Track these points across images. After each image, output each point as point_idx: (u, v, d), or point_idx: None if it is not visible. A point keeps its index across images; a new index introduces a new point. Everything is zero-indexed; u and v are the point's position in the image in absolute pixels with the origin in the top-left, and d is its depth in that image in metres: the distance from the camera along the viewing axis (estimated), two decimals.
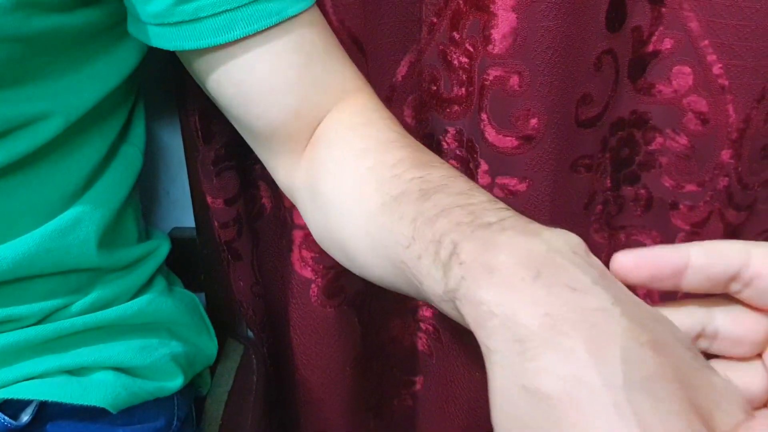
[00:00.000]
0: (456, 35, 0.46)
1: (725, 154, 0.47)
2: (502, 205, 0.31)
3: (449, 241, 0.28)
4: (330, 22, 0.46)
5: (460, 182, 0.33)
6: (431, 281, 0.29)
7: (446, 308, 0.29)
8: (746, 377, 0.27)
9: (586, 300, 0.24)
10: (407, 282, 0.32)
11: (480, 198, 0.31)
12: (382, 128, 0.39)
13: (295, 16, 0.38)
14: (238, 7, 0.37)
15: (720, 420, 0.23)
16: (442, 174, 0.34)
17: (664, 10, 0.45)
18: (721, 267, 0.26)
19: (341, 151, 0.39)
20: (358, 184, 0.37)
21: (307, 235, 0.55)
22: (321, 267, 0.56)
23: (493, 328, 0.24)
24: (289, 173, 0.43)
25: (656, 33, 0.46)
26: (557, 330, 0.23)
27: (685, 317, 0.28)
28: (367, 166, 0.37)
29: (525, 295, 0.24)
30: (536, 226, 0.28)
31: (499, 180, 0.48)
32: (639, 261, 0.26)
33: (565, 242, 0.26)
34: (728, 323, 0.27)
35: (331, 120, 0.41)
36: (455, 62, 0.47)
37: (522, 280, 0.25)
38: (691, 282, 0.26)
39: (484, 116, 0.46)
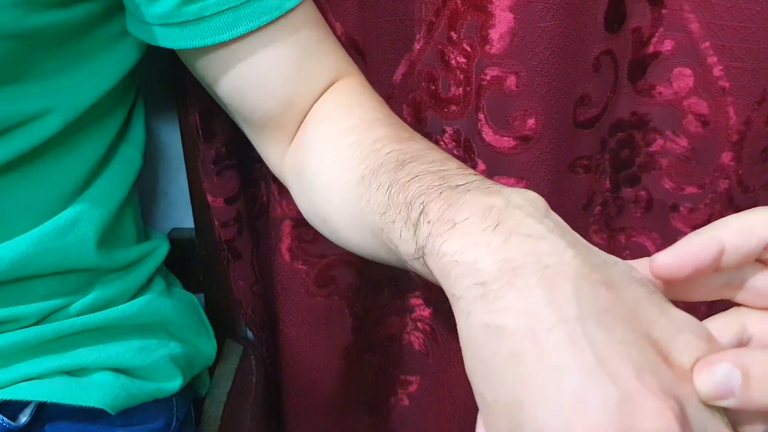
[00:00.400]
0: (453, 35, 0.46)
1: (726, 157, 0.47)
2: (471, 171, 0.33)
3: (419, 203, 0.30)
4: (328, 22, 0.46)
5: (435, 153, 0.35)
6: (404, 243, 0.31)
7: (418, 267, 0.30)
8: (763, 325, 0.28)
9: (541, 245, 0.26)
10: (386, 249, 0.34)
11: (451, 165, 0.33)
12: (369, 109, 0.41)
13: (293, 9, 0.40)
14: (241, 4, 0.38)
15: (678, 351, 0.24)
16: (419, 146, 0.36)
17: (664, 11, 0.44)
18: (754, 242, 0.27)
19: (327, 130, 0.41)
20: (340, 159, 0.38)
21: (297, 226, 0.55)
22: (311, 257, 0.56)
23: (457, 275, 0.26)
24: (280, 157, 0.44)
25: (657, 34, 0.45)
26: (515, 272, 0.25)
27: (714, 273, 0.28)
28: (349, 143, 0.38)
29: (485, 244, 0.26)
30: (498, 186, 0.29)
31: (496, 180, 0.47)
32: (681, 260, 0.27)
33: (524, 199, 0.28)
34: (756, 278, 0.28)
35: (319, 103, 0.42)
36: (453, 62, 0.47)
37: (482, 231, 0.26)
38: (727, 262, 0.27)
39: (481, 116, 0.46)
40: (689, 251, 0.26)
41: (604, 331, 0.23)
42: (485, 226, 0.26)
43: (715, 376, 0.23)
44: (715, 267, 0.27)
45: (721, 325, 0.28)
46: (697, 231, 0.27)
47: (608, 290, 0.25)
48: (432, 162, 0.33)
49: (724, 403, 0.24)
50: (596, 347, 0.23)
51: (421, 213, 0.29)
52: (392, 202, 0.32)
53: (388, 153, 0.36)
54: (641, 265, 0.28)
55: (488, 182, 0.30)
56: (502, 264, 0.25)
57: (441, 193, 0.30)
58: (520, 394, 0.23)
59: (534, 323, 0.24)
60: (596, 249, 0.27)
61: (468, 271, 0.26)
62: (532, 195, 0.28)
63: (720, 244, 0.26)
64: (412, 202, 0.30)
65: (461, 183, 0.30)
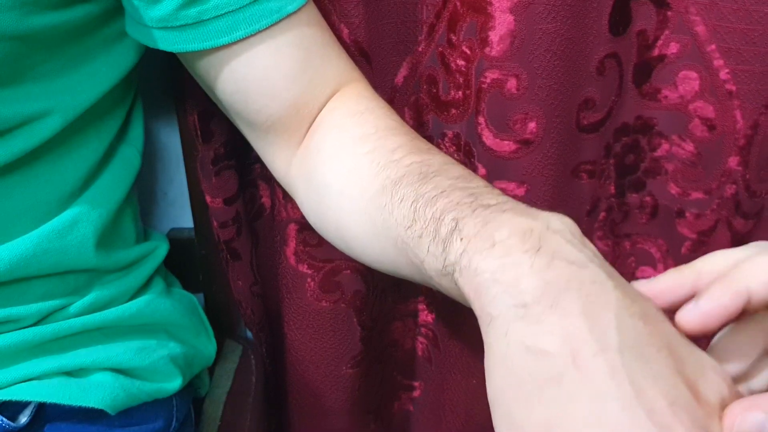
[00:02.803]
0: (453, 37, 0.45)
1: (732, 161, 0.46)
2: (498, 191, 0.33)
3: (450, 219, 0.30)
4: (332, 25, 0.46)
5: (458, 168, 0.35)
6: (431, 258, 0.30)
7: (445, 283, 0.30)
8: None
9: (583, 273, 0.26)
10: (408, 262, 0.34)
11: (478, 183, 0.33)
12: (380, 116, 0.41)
13: (294, 12, 0.39)
14: (240, 8, 0.38)
15: (705, 388, 0.25)
16: (440, 160, 0.36)
17: (670, 13, 0.44)
18: None
19: (339, 137, 0.40)
20: (356, 167, 0.38)
21: (303, 229, 0.55)
22: (317, 261, 0.56)
23: (495, 294, 0.26)
24: (286, 164, 0.44)
25: (662, 37, 0.44)
26: (558, 297, 0.25)
27: None
28: (365, 151, 0.38)
29: (527, 266, 0.26)
30: (534, 210, 0.30)
31: (497, 184, 0.47)
32: (706, 319, 0.27)
33: (562, 223, 0.28)
34: None
35: (328, 109, 0.42)
36: (452, 65, 0.46)
37: (525, 252, 0.26)
38: (751, 308, 0.27)
39: (481, 120, 0.45)
40: (714, 311, 0.27)
41: (642, 363, 0.24)
42: (527, 247, 0.27)
43: (748, 422, 0.24)
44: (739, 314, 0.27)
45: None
46: (721, 283, 0.27)
47: (645, 324, 0.25)
48: (457, 177, 0.33)
49: None
50: (634, 379, 0.24)
51: (453, 229, 0.29)
52: (418, 216, 0.32)
53: (409, 164, 0.36)
54: (639, 285, 0.29)
55: (521, 204, 0.30)
56: (545, 287, 0.25)
57: (474, 210, 0.30)
58: (558, 418, 0.24)
59: (577, 348, 0.24)
60: (628, 283, 0.28)
61: (508, 291, 0.26)
62: (569, 221, 0.29)
63: (745, 299, 0.26)
64: (442, 218, 0.30)
65: (493, 203, 0.30)
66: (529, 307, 0.25)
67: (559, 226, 0.28)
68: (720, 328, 0.28)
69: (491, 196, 0.31)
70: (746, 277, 0.26)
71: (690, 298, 0.27)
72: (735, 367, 0.28)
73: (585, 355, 0.24)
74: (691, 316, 0.27)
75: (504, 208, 0.29)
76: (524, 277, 0.26)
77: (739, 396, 0.26)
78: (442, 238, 0.30)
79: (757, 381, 0.29)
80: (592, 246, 0.28)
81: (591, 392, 0.24)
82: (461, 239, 0.28)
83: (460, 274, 0.28)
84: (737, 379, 0.29)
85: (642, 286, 0.29)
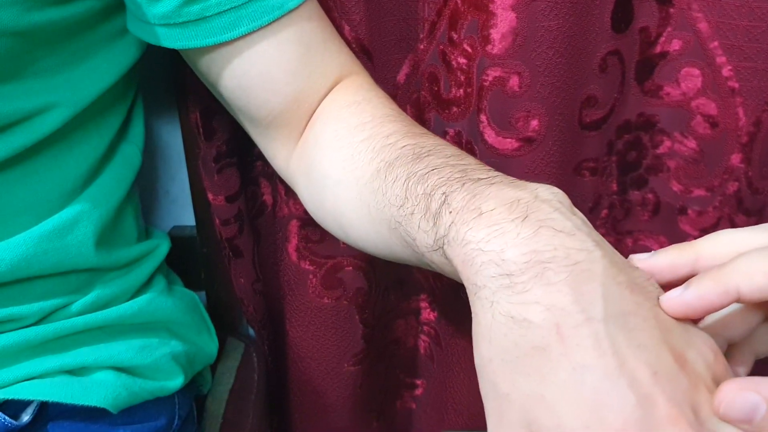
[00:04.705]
0: (454, 35, 0.45)
1: (735, 158, 0.46)
2: (490, 167, 0.33)
3: (440, 194, 0.30)
4: (334, 22, 0.46)
5: (451, 148, 0.35)
6: (422, 235, 0.31)
7: (436, 259, 0.30)
8: None
9: (570, 241, 0.26)
10: (402, 243, 0.34)
11: (470, 160, 0.33)
12: (377, 105, 0.41)
13: (295, 8, 0.39)
14: (242, 4, 0.38)
15: (692, 358, 0.25)
16: (434, 142, 0.36)
17: (672, 10, 0.44)
18: None
19: (337, 127, 0.41)
20: (353, 154, 0.38)
21: (305, 225, 0.55)
22: (319, 258, 0.56)
23: (482, 264, 0.26)
24: (286, 157, 0.44)
25: (664, 34, 0.44)
26: (544, 266, 0.25)
27: None
28: (361, 139, 0.38)
29: (513, 234, 0.26)
30: (523, 182, 0.30)
31: None
32: (688, 309, 0.26)
33: (551, 193, 0.28)
34: None
35: (326, 102, 0.42)
36: (453, 63, 0.46)
37: (511, 222, 0.26)
38: (741, 301, 0.27)
39: (483, 118, 0.45)
40: (698, 303, 0.26)
41: (626, 333, 0.24)
42: (513, 217, 0.26)
43: (740, 402, 0.24)
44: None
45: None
46: (713, 277, 0.26)
47: (632, 293, 0.25)
48: (450, 156, 0.34)
49: (739, 427, 0.24)
50: (617, 349, 0.24)
51: (443, 203, 0.29)
52: (410, 194, 0.32)
53: (403, 146, 0.36)
54: (638, 260, 0.28)
55: (510, 177, 0.30)
56: (531, 256, 0.25)
57: (464, 184, 0.30)
58: (542, 388, 0.24)
59: (560, 319, 0.24)
60: (617, 251, 0.27)
61: (494, 261, 0.26)
62: (558, 191, 0.29)
63: (733, 299, 0.26)
64: (432, 193, 0.31)
65: (483, 177, 0.30)
66: (514, 277, 0.25)
67: (547, 196, 0.28)
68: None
69: (482, 171, 0.31)
70: (739, 276, 0.25)
71: (688, 278, 0.27)
72: (735, 333, 0.28)
73: (569, 326, 0.24)
74: (674, 303, 0.26)
75: (493, 181, 0.29)
76: (510, 247, 0.26)
77: (727, 368, 0.26)
78: (432, 213, 0.30)
79: (763, 346, 0.29)
80: (581, 214, 0.28)
81: (573, 363, 0.24)
82: (450, 212, 0.29)
83: (449, 246, 0.28)
84: (740, 344, 0.28)
85: (640, 261, 0.28)
